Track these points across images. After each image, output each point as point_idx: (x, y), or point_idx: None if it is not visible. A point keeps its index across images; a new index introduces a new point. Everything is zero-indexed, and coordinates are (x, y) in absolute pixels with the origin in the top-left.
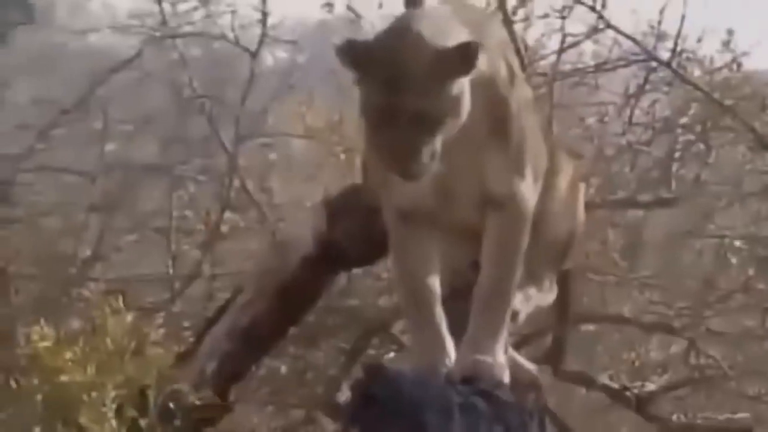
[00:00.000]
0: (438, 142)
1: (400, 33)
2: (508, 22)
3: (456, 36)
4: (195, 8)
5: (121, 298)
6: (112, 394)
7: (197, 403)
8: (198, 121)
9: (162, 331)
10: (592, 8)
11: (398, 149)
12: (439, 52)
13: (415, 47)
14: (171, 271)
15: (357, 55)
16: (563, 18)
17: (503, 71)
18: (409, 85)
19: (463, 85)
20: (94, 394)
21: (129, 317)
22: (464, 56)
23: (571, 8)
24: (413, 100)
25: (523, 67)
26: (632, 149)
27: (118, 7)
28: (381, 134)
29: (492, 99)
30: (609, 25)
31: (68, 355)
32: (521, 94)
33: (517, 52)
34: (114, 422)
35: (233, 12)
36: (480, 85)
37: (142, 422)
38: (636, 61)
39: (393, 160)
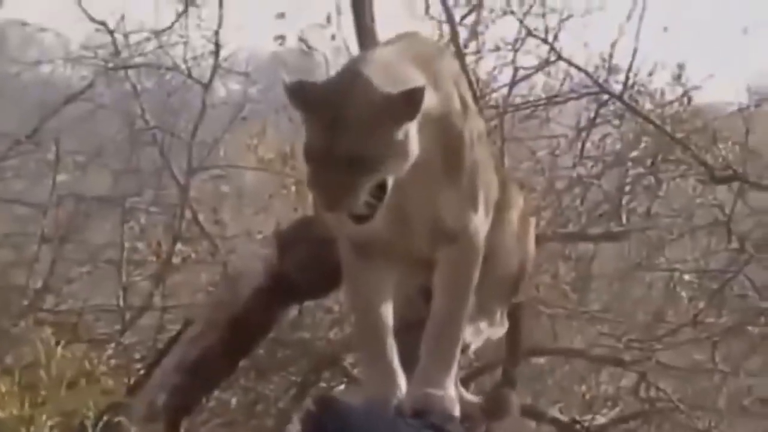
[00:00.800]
0: (376, 183)
1: (348, 77)
2: (460, 55)
3: (405, 78)
4: (147, 39)
5: (51, 332)
6: (49, 424)
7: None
8: (150, 152)
9: (113, 362)
10: (544, 40)
11: (331, 191)
12: (385, 98)
13: (361, 92)
14: (122, 302)
15: (305, 95)
16: (515, 51)
17: (456, 105)
18: (348, 128)
19: (409, 129)
20: (31, 428)
21: (60, 350)
22: (409, 102)
23: (523, 40)
24: (350, 144)
25: (476, 100)
26: (583, 182)
27: (70, 38)
28: (316, 175)
29: (446, 133)
30: (560, 57)
31: (3, 388)
32: (474, 126)
33: (470, 84)
34: None
35: (185, 43)
36: (433, 122)
37: None
38: (587, 94)
39: (325, 200)
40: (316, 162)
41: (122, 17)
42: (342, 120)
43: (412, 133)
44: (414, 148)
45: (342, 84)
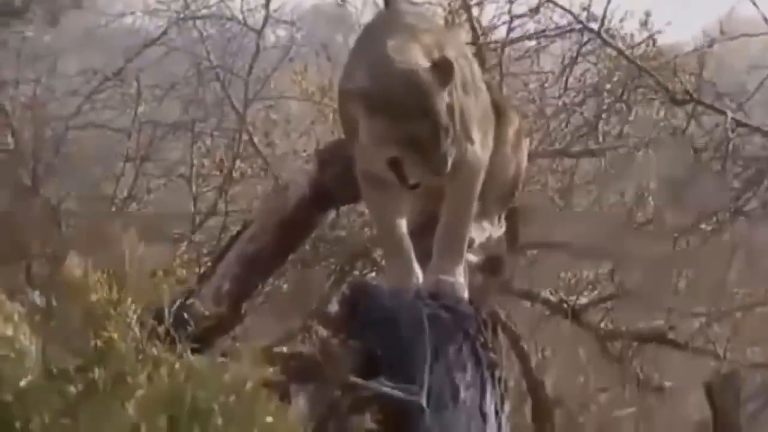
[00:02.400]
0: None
1: (388, 71)
2: (466, 7)
3: (420, 57)
4: None
5: (134, 233)
6: (133, 307)
7: (206, 313)
8: (214, 87)
9: (185, 256)
10: None
11: (435, 160)
12: (423, 75)
13: (407, 81)
14: (192, 208)
15: (370, 103)
16: (510, 2)
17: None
18: (419, 111)
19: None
20: (119, 309)
21: (142, 247)
22: (443, 72)
23: None
24: (427, 121)
25: (477, 42)
26: (567, 109)
27: None
28: (413, 152)
29: None
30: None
31: (95, 278)
32: (466, 74)
33: (473, 29)
34: (137, 330)
35: None
36: None
37: (160, 329)
38: (571, 30)
39: (432, 171)
40: (407, 143)
41: None
42: (411, 109)
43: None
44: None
45: (395, 84)
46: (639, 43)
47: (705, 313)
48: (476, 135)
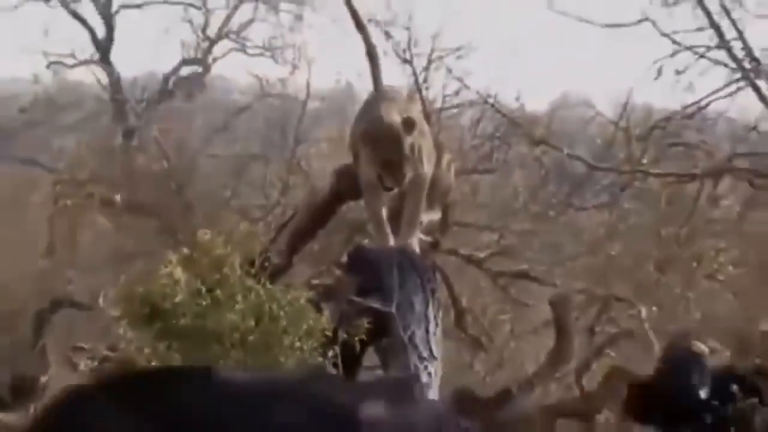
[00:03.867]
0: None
1: (379, 122)
2: (419, 90)
3: (395, 116)
4: None
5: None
6: (237, 256)
7: (275, 262)
8: (278, 132)
9: (262, 228)
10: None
11: (401, 176)
12: (397, 126)
13: (389, 128)
14: (264, 201)
15: (367, 140)
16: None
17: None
18: (394, 146)
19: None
20: (229, 258)
21: (241, 223)
22: (408, 125)
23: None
24: (397, 152)
25: (425, 107)
26: (475, 147)
27: None
28: (389, 169)
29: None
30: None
31: (217, 240)
32: (423, 127)
33: (423, 101)
34: (238, 270)
35: None
36: None
37: (252, 270)
38: (477, 103)
39: (399, 182)
40: (389, 165)
41: None
42: (393, 144)
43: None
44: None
45: (382, 129)
46: (516, 110)
47: (549, 262)
48: (425, 162)
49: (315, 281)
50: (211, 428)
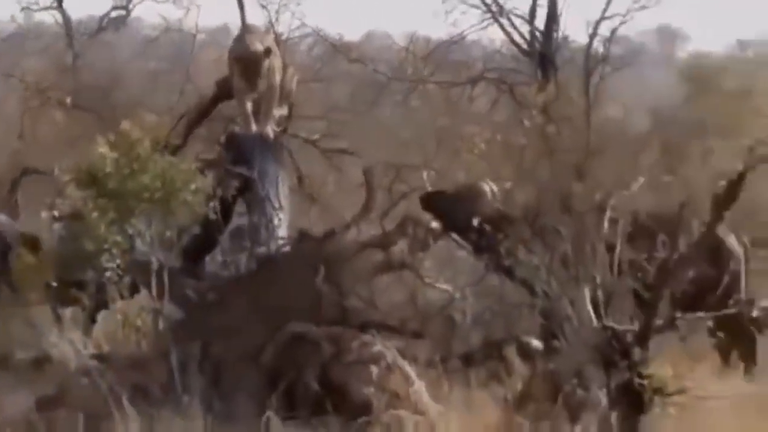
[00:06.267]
0: None
1: None
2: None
3: (259, 45)
4: None
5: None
6: (148, 140)
7: (175, 142)
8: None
9: None
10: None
11: (257, 84)
12: (260, 53)
13: (255, 55)
14: (170, 102)
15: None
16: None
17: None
18: (259, 70)
19: None
20: (143, 142)
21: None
22: (266, 52)
23: None
24: (261, 73)
25: (278, 42)
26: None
27: None
28: (253, 84)
29: None
30: None
31: (136, 129)
32: None
33: (275, 35)
34: (148, 148)
35: None
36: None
37: (158, 148)
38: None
39: (257, 89)
40: (253, 77)
41: None
42: (257, 63)
43: None
44: None
45: (249, 53)
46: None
47: (363, 143)
48: (276, 75)
49: (202, 156)
50: None
